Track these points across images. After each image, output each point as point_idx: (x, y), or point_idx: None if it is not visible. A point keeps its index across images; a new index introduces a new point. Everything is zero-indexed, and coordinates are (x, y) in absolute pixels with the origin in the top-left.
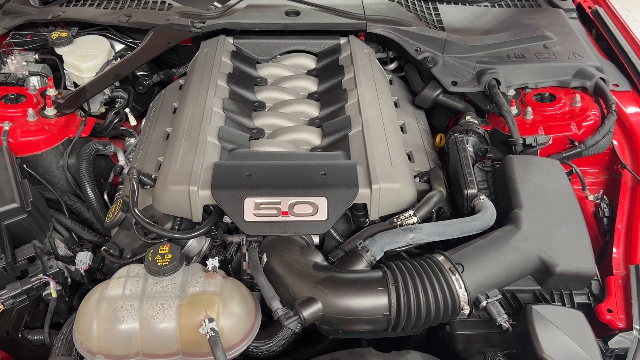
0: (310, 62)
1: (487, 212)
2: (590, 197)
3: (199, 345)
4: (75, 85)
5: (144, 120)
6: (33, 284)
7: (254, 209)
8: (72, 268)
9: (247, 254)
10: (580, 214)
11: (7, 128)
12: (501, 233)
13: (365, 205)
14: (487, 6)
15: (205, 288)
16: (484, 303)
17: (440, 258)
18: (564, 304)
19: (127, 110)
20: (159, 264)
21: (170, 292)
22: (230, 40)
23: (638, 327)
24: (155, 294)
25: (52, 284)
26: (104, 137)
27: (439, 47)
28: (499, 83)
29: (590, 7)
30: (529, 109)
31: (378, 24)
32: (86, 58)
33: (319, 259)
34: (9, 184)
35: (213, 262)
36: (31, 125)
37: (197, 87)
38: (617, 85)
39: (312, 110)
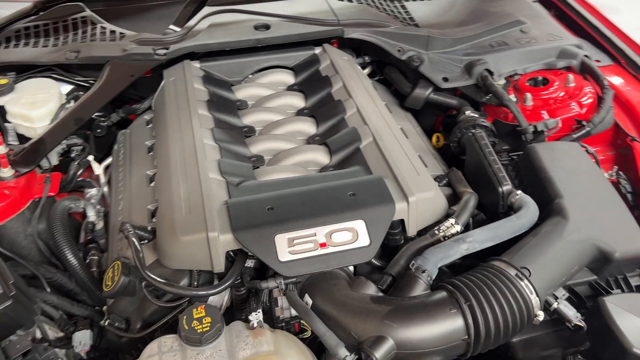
0: (288, 78)
1: (530, 208)
2: (606, 175)
3: None
4: (23, 138)
5: (110, 168)
6: None
7: (288, 247)
8: (63, 351)
9: (287, 298)
10: (617, 194)
11: None
12: (551, 227)
13: (400, 221)
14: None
15: (257, 349)
16: (555, 305)
17: (502, 265)
18: (622, 290)
19: (90, 157)
20: (199, 331)
21: None
22: (197, 64)
23: None
24: None
25: None
26: (65, 193)
27: (422, 44)
28: (491, 73)
29: None
30: (528, 95)
31: (354, 28)
32: (35, 105)
33: (372, 290)
34: None
35: (257, 317)
36: None
37: (177, 120)
38: (599, 61)
39: (308, 127)
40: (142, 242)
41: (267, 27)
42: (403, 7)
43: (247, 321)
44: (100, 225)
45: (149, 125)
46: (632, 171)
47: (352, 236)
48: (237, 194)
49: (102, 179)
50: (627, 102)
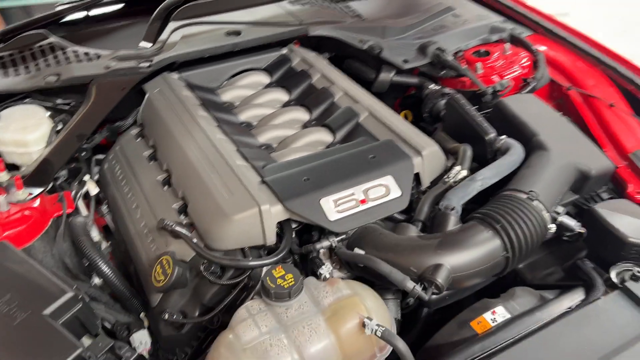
0: (263, 78)
1: (517, 146)
2: None
3: (362, 351)
4: (12, 168)
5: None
6: None
7: (334, 207)
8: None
9: (342, 255)
10: (575, 127)
11: None
12: (538, 158)
13: (416, 175)
14: None
15: (338, 295)
16: (559, 218)
17: (513, 192)
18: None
19: (87, 177)
20: (285, 286)
21: (308, 311)
22: (175, 75)
23: None
24: (295, 319)
25: None
26: None
27: (379, 34)
28: (442, 51)
29: None
30: (479, 64)
31: (317, 26)
32: (28, 130)
33: (414, 232)
34: (42, 275)
35: (328, 269)
36: (8, 216)
37: (180, 123)
38: (522, 32)
39: (302, 115)
40: (179, 237)
41: (238, 33)
42: (347, 7)
43: None
44: (104, 244)
45: (140, 139)
46: (572, 115)
47: (385, 190)
48: (267, 174)
49: (92, 201)
50: (554, 61)
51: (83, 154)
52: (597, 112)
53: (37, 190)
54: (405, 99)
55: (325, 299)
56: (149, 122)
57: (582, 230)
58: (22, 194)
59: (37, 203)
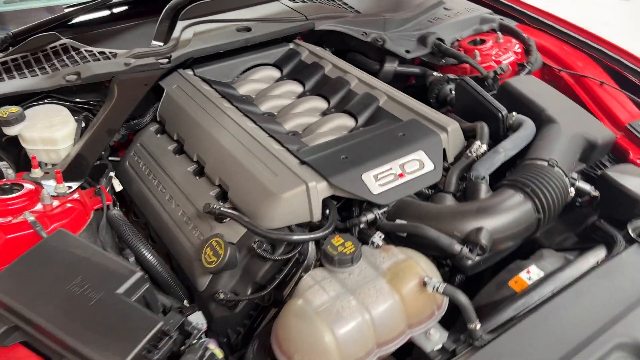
0: (274, 72)
1: (528, 121)
2: None
3: (422, 309)
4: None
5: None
6: (204, 351)
7: (375, 182)
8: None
9: (385, 226)
10: (574, 102)
11: (33, 218)
12: (549, 130)
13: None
14: None
15: (394, 259)
16: (576, 183)
17: (534, 161)
18: None
19: (112, 174)
20: (347, 253)
21: (370, 275)
22: (190, 72)
23: None
24: (359, 283)
25: (213, 344)
26: None
27: (380, 26)
28: (442, 40)
29: None
30: (477, 51)
31: (322, 20)
32: (56, 127)
33: (451, 201)
34: (107, 258)
35: (381, 236)
36: (54, 209)
37: (207, 115)
38: (509, 22)
39: (320, 103)
40: (223, 221)
41: (248, 29)
42: (345, 3)
43: None
44: None
45: (160, 135)
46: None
47: (419, 164)
48: (304, 156)
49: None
50: (543, 47)
51: (104, 152)
52: (589, 91)
53: (74, 185)
54: (406, 89)
55: (383, 264)
56: (171, 117)
57: (596, 193)
58: (63, 187)
59: (77, 196)
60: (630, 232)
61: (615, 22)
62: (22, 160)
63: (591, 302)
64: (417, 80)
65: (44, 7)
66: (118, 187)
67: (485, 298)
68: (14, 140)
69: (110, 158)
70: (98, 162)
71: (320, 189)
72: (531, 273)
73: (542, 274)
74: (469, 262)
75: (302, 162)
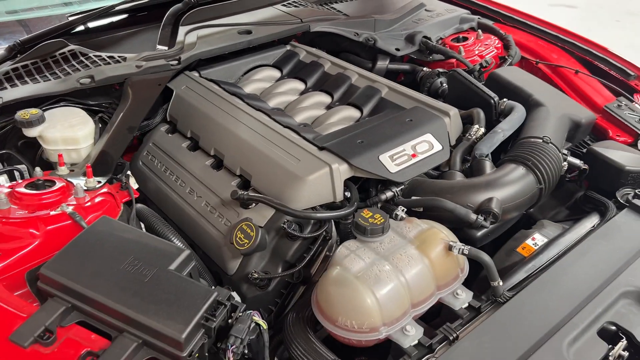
0: (274, 72)
1: (519, 106)
2: None
3: (449, 272)
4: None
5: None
6: (250, 322)
7: (392, 161)
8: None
9: (403, 203)
10: (555, 88)
11: (70, 209)
12: (539, 113)
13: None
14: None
15: (419, 228)
16: (568, 158)
17: (530, 139)
18: None
19: (129, 172)
20: (378, 223)
21: (399, 243)
22: (196, 74)
23: None
24: (391, 250)
25: (257, 315)
26: None
27: (371, 27)
28: (429, 38)
29: None
30: (461, 48)
31: (316, 23)
32: (76, 127)
33: (460, 177)
34: (154, 239)
35: (402, 209)
36: (88, 201)
37: (221, 111)
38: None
39: (325, 98)
40: (248, 208)
41: (249, 31)
42: (333, 7)
43: None
44: None
45: (172, 134)
46: None
47: (429, 145)
48: (320, 143)
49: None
50: (519, 42)
51: None
52: (566, 79)
53: (102, 179)
54: None
55: (410, 233)
56: (183, 115)
57: (586, 166)
58: (93, 181)
59: (107, 190)
60: (619, 199)
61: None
62: (37, 163)
63: (594, 259)
64: (406, 77)
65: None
66: (135, 186)
67: (497, 264)
68: (30, 143)
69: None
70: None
71: (343, 170)
72: (536, 240)
73: (546, 240)
74: (482, 231)
75: (321, 148)
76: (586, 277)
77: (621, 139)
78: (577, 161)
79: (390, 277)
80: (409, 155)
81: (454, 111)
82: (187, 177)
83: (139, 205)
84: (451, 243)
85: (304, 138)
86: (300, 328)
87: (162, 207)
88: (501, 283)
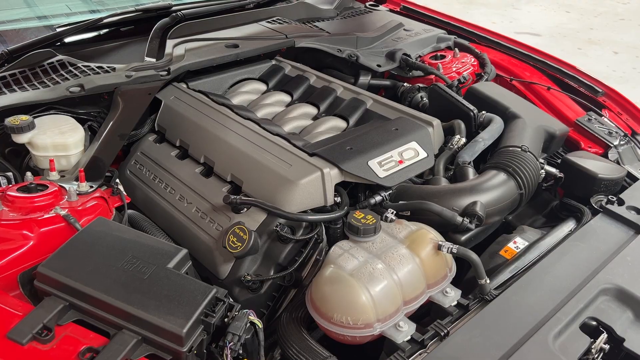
0: (260, 86)
1: (497, 117)
2: None
3: (438, 271)
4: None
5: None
6: (246, 319)
7: (380, 167)
8: None
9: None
10: (530, 102)
11: (65, 212)
12: (517, 124)
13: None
14: (339, 19)
15: (409, 229)
16: (545, 166)
17: (509, 148)
18: None
19: (117, 180)
20: (370, 224)
21: (390, 243)
22: (184, 85)
23: (612, 145)
24: (383, 249)
25: (252, 315)
26: None
27: (353, 44)
28: (409, 56)
29: (398, 5)
30: (439, 65)
31: (301, 39)
32: (66, 134)
33: (446, 182)
34: (151, 239)
35: (392, 212)
36: (81, 205)
37: (211, 120)
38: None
39: (311, 109)
40: (240, 212)
41: (236, 45)
42: (315, 25)
43: None
44: None
45: (160, 143)
46: None
47: (414, 153)
48: (311, 149)
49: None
50: (494, 61)
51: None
52: (539, 95)
53: (95, 184)
54: None
55: (400, 234)
56: (171, 125)
57: (561, 175)
58: (85, 186)
59: (99, 194)
60: (593, 204)
61: None
62: (24, 171)
63: (574, 259)
64: (387, 92)
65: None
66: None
67: None
68: (16, 151)
69: None
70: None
71: (333, 175)
72: (518, 243)
73: (527, 243)
74: (466, 235)
75: (312, 155)
76: (567, 275)
77: (592, 150)
78: (553, 170)
79: (383, 275)
80: (396, 161)
81: (436, 122)
82: (177, 185)
83: (130, 211)
84: (440, 243)
85: (294, 145)
86: (294, 327)
87: (151, 215)
88: (488, 281)
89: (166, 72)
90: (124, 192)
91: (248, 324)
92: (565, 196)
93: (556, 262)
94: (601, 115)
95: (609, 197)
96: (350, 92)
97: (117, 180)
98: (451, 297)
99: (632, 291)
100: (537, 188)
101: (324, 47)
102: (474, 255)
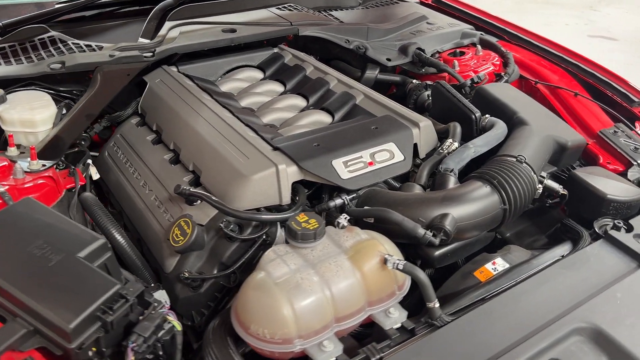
0: (257, 74)
1: (500, 122)
2: None
3: (383, 287)
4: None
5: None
6: (160, 319)
7: (345, 168)
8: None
9: (352, 212)
10: (546, 109)
11: (3, 189)
12: (521, 131)
13: (414, 146)
14: (361, 8)
15: (357, 238)
16: (545, 181)
17: (503, 157)
18: None
19: (90, 162)
20: (311, 228)
21: (332, 251)
22: (174, 68)
23: (634, 163)
24: (320, 258)
25: (173, 316)
26: None
27: (363, 35)
28: (422, 51)
29: None
30: (456, 62)
31: (306, 27)
32: (36, 111)
33: (419, 189)
34: (72, 224)
35: (345, 217)
36: (26, 182)
37: (187, 106)
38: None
39: (300, 101)
40: (194, 204)
41: (233, 30)
42: (331, 14)
43: None
44: None
45: (141, 127)
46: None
47: (389, 155)
48: (277, 144)
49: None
50: (521, 62)
51: (83, 142)
52: (564, 101)
53: (49, 163)
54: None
55: (346, 242)
56: (151, 108)
57: (565, 192)
58: (37, 164)
59: (49, 174)
60: (596, 229)
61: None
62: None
63: (552, 289)
64: (398, 89)
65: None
66: (95, 176)
67: (450, 287)
68: None
69: (92, 153)
70: (77, 149)
71: (290, 172)
72: (497, 264)
73: (507, 266)
74: (440, 250)
75: (275, 148)
76: (539, 307)
77: (611, 167)
78: (555, 185)
79: (313, 287)
80: (365, 162)
81: (425, 123)
82: (144, 170)
83: (86, 194)
84: (386, 256)
85: (262, 137)
86: (219, 335)
87: (120, 200)
88: (437, 305)
89: (151, 54)
90: (95, 176)
91: (168, 326)
92: (570, 216)
93: (531, 291)
94: (632, 129)
95: (616, 221)
96: (343, 86)
97: (89, 161)
98: (394, 318)
99: (611, 334)
100: (542, 204)
101: (331, 36)
102: (421, 275)
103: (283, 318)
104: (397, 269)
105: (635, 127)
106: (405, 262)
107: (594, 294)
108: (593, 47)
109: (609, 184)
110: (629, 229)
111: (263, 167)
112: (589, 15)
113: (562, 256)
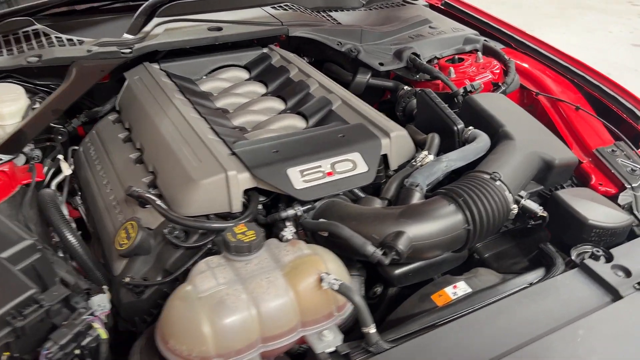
0: (243, 74)
1: (483, 136)
2: None
3: (318, 309)
4: None
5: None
6: (81, 326)
7: (300, 177)
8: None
9: (305, 224)
10: (539, 122)
11: None
12: (504, 146)
13: (383, 158)
14: (363, 10)
15: (298, 253)
16: (522, 201)
17: (477, 173)
18: None
19: (60, 157)
20: (246, 241)
21: (267, 266)
22: (156, 66)
23: (628, 186)
24: (253, 273)
25: (99, 322)
26: None
27: (357, 37)
28: (417, 56)
29: (440, 0)
30: (451, 69)
31: (297, 27)
32: (5, 103)
33: (379, 204)
34: (3, 224)
35: (291, 230)
36: None
37: (157, 105)
38: (495, 45)
39: (278, 104)
40: (145, 207)
41: (219, 29)
42: (329, 15)
43: None
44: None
45: (117, 124)
46: (542, 120)
47: (352, 165)
48: (236, 148)
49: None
50: (525, 71)
51: (60, 137)
52: (564, 115)
53: (7, 158)
54: (381, 104)
55: (286, 257)
56: (126, 106)
57: (545, 214)
58: None
59: (5, 168)
60: (573, 257)
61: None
62: None
63: (509, 321)
64: (392, 96)
65: None
66: (66, 171)
67: (405, 310)
68: None
69: (74, 147)
70: (48, 144)
71: (242, 179)
72: (458, 288)
73: (469, 291)
74: (400, 270)
75: (232, 153)
76: (488, 340)
77: (602, 189)
78: (534, 206)
79: (237, 305)
80: (323, 172)
81: (397, 133)
82: (109, 169)
83: (46, 190)
84: (322, 275)
85: (223, 141)
86: (147, 346)
87: (86, 197)
88: (373, 330)
89: (129, 51)
90: (67, 171)
91: (95, 334)
92: (552, 239)
93: (485, 321)
94: (633, 148)
95: (595, 249)
96: (323, 90)
97: (60, 157)
98: (327, 342)
99: None
100: (525, 226)
101: (322, 38)
102: (356, 297)
103: (201, 335)
104: (332, 289)
105: (639, 146)
106: (341, 282)
107: (554, 329)
108: (635, 56)
109: (592, 208)
110: (609, 258)
111: (212, 173)
112: (636, 22)
113: (530, 284)
